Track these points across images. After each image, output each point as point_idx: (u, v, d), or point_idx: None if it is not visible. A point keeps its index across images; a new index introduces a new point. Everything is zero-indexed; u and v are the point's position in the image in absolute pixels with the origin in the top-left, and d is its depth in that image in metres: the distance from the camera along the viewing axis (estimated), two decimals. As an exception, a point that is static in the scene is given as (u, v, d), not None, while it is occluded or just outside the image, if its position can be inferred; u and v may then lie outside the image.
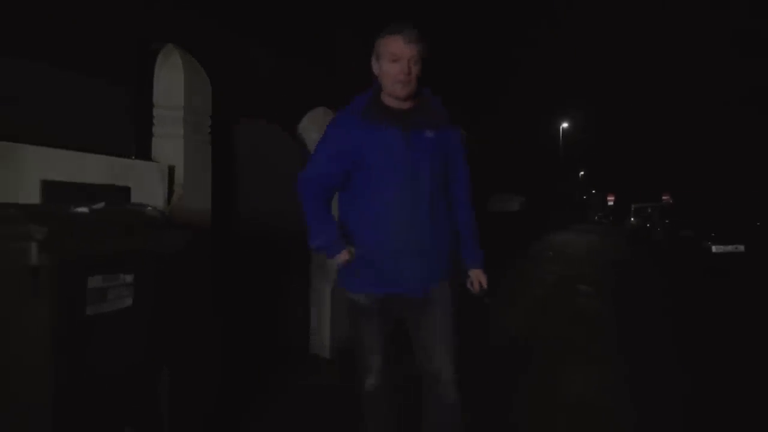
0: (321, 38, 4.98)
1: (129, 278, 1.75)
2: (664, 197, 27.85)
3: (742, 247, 11.00)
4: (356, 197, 2.03)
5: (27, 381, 1.50)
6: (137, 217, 1.94)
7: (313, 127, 4.33)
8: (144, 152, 2.75)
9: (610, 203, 46.05)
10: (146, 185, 2.59)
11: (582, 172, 52.98)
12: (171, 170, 2.75)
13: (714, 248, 11.12)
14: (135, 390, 1.82)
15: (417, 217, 1.98)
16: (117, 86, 2.69)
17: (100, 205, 1.83)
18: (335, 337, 4.29)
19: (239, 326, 3.34)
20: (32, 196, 2.07)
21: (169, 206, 2.67)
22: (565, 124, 33.79)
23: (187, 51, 2.89)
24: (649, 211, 16.98)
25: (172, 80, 2.80)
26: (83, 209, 1.73)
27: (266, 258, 3.69)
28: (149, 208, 2.05)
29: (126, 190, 2.48)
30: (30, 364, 1.49)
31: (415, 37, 1.93)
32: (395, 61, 1.92)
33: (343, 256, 1.98)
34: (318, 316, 4.25)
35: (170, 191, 2.74)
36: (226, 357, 3.06)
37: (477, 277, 2.17)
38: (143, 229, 1.90)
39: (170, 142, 2.79)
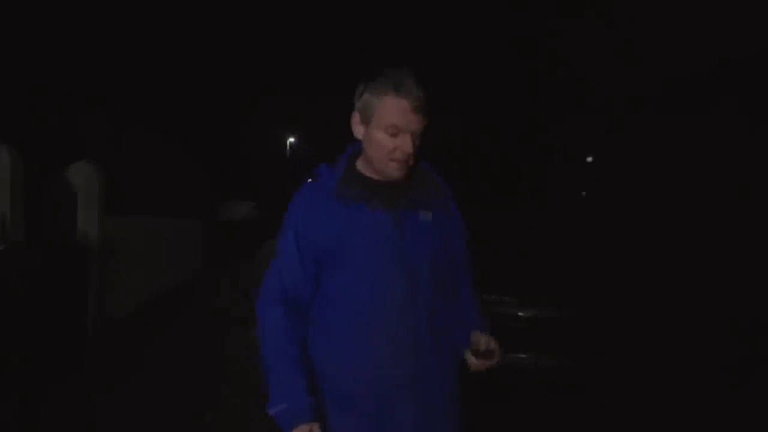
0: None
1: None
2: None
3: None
4: (324, 308, 1.43)
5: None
6: (17, 247, 4.04)
7: (74, 173, 6.30)
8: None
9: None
10: (-7, 226, 4.50)
11: (309, 180, 62.87)
12: (4, 215, 4.67)
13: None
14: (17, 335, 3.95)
15: (413, 334, 1.39)
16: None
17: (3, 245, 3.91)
18: (96, 318, 6.36)
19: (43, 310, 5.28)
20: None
21: (5, 237, 4.61)
22: (292, 138, 38.58)
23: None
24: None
25: (2, 163, 4.71)
26: (2, 246, 3.80)
27: (60, 264, 5.61)
28: (17, 241, 4.14)
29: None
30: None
31: (424, 102, 1.36)
32: (394, 135, 1.36)
33: None
34: (91, 304, 6.25)
35: (4, 228, 4.66)
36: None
37: (479, 338, 1.42)
38: (19, 253, 4.00)
39: (3, 197, 4.70)
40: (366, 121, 1.41)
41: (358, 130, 1.44)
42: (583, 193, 12.63)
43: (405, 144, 1.36)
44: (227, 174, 19.63)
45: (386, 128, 1.36)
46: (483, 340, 1.40)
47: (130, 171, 8.48)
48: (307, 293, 1.44)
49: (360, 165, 1.49)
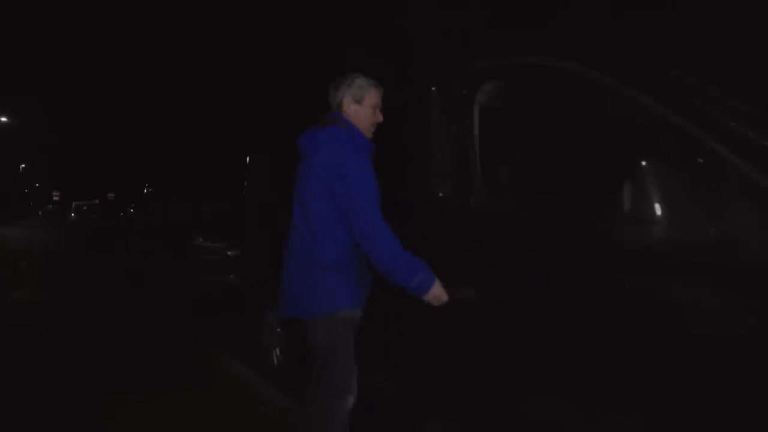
0: None
1: None
2: (109, 194, 33.08)
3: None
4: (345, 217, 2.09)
5: None
6: None
7: None
8: None
9: (56, 198, 48.81)
10: None
11: (23, 166, 54.14)
12: None
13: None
14: None
15: None
16: None
17: None
18: None
19: None
20: None
21: None
22: (3, 118, 35.22)
23: None
24: (85, 208, 21.95)
25: None
26: None
27: None
28: None
29: None
30: None
31: None
32: (374, 110, 2.21)
33: (440, 290, 2.06)
34: None
35: None
36: None
37: None
38: None
39: None
40: (358, 101, 2.21)
41: (352, 109, 2.21)
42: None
43: (380, 116, 2.23)
44: None
45: (373, 105, 2.22)
46: None
47: None
48: None
49: None
